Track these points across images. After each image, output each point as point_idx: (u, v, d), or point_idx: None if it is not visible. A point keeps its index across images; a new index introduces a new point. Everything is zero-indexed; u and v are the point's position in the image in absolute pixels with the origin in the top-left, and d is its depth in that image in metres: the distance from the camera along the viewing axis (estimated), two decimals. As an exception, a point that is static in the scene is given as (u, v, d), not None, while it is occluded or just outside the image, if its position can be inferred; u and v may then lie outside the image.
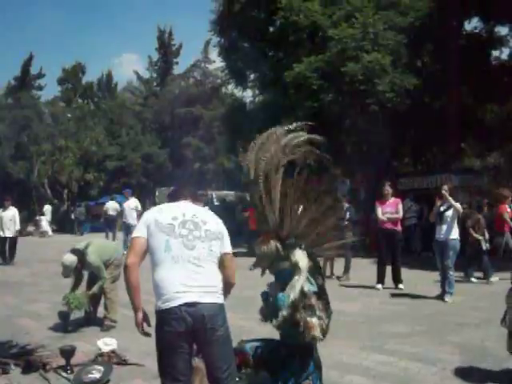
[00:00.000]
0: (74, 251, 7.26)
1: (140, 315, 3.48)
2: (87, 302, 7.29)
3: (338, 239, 5.20)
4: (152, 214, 3.59)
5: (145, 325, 3.50)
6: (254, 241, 4.56)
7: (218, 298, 3.40)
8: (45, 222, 31.15)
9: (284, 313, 4.29)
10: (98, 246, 7.59)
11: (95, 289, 7.30)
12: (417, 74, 16.09)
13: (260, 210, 4.65)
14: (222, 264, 3.60)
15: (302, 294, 4.32)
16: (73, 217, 32.60)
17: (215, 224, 3.64)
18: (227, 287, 3.62)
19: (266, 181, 4.45)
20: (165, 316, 3.28)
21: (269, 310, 4.64)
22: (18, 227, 16.28)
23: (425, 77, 16.50)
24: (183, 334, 3.25)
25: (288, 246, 4.52)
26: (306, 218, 4.59)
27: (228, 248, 3.66)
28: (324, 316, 4.40)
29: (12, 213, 16.01)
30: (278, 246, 4.50)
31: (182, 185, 3.93)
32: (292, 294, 4.31)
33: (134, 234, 3.53)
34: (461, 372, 5.18)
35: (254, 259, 4.22)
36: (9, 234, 15.79)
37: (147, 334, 3.50)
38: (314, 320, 4.27)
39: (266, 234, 4.60)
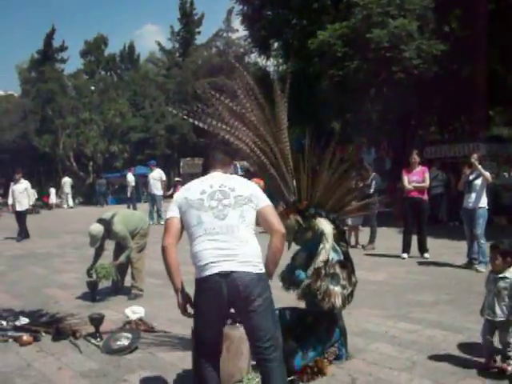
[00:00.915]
0: (101, 221, 7.32)
1: (181, 296, 3.46)
2: (114, 272, 7.35)
3: (359, 201, 5.19)
4: (181, 193, 3.61)
5: (187, 306, 3.49)
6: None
7: (255, 267, 3.33)
8: (53, 194, 31.60)
9: (306, 282, 4.31)
10: (124, 215, 7.63)
11: (122, 258, 7.36)
12: (444, 40, 15.70)
13: (274, 185, 4.66)
14: (262, 219, 3.52)
15: (326, 262, 4.32)
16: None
17: (245, 188, 3.54)
18: (274, 244, 3.49)
19: (272, 156, 4.51)
20: (202, 285, 3.34)
21: (291, 280, 4.65)
22: (32, 201, 15.82)
23: (452, 43, 16.08)
24: (218, 302, 3.30)
25: (309, 217, 4.53)
26: (322, 186, 4.58)
27: (263, 203, 3.53)
28: (347, 285, 4.40)
29: (24, 186, 15.43)
30: (298, 219, 4.51)
31: (208, 155, 3.90)
32: (317, 261, 4.32)
33: (167, 215, 3.57)
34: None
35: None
36: (20, 207, 15.28)
37: (190, 315, 3.49)
38: (337, 289, 4.28)
39: (284, 209, 4.62)
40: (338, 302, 4.28)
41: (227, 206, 3.43)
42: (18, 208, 15.25)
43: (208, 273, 3.28)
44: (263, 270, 3.39)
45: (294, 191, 4.64)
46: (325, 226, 4.49)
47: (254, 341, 3.42)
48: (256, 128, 4.51)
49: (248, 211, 3.46)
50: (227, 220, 3.40)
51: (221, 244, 3.33)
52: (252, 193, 3.52)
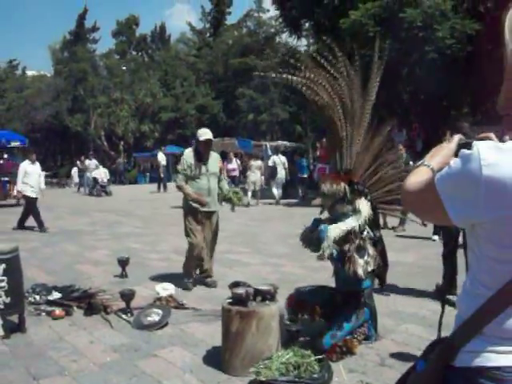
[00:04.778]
0: None
1: None
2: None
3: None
4: None
5: None
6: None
7: None
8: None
9: (326, 243, 4.26)
10: None
11: (227, 187, 7.34)
12: (479, 20, 15.34)
13: (339, 147, 4.65)
14: None
15: (358, 233, 4.31)
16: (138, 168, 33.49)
17: None
18: None
19: (351, 122, 4.53)
20: None
21: (313, 241, 4.61)
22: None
23: (488, 22, 15.69)
24: None
25: (356, 192, 4.50)
26: (379, 174, 4.60)
27: None
28: (371, 263, 4.35)
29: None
30: (347, 188, 4.47)
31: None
32: (346, 224, 4.31)
33: None
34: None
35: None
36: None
37: None
38: (360, 261, 4.25)
39: (337, 173, 4.60)
40: (360, 271, 4.25)
41: None
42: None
43: None
44: None
45: (353, 163, 4.62)
46: (364, 208, 4.45)
47: None
48: (342, 97, 4.66)
49: None
50: None
51: None
52: None
